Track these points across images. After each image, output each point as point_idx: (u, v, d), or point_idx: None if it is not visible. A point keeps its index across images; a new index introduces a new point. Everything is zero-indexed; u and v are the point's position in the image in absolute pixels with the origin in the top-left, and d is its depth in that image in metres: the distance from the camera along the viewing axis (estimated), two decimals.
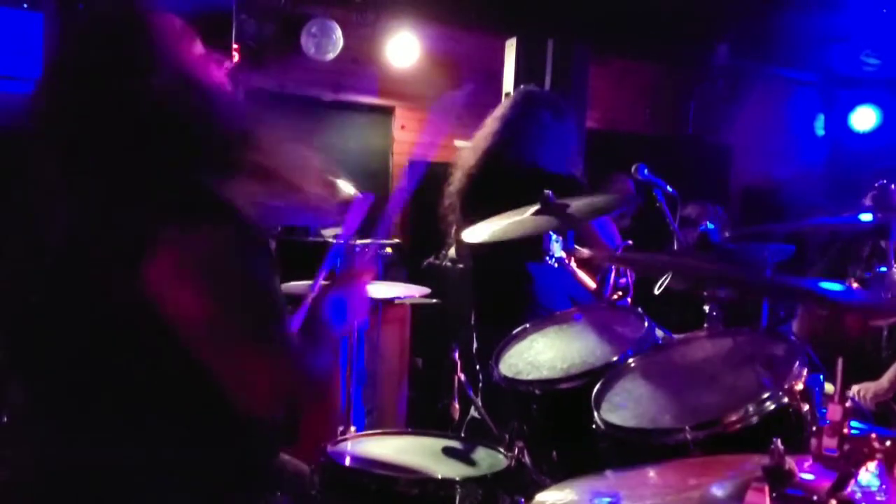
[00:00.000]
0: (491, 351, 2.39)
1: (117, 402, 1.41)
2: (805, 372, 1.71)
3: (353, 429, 2.57)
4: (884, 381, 3.35)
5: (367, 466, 1.93)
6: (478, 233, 2.50)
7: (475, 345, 3.14)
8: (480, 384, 2.96)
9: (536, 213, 2.41)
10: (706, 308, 2.18)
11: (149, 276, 1.32)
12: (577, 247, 2.54)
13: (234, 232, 1.39)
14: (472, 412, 2.84)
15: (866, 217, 2.52)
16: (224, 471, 1.48)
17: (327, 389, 1.45)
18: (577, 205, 2.39)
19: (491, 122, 3.14)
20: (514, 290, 3.01)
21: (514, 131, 3.05)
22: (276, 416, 1.55)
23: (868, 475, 1.05)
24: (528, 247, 2.70)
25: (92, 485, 1.40)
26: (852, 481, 1.04)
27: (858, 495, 1.05)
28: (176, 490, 1.43)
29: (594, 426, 1.85)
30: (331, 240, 4.51)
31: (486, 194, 2.96)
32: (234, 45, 4.39)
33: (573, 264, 2.51)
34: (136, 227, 1.34)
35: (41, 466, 1.44)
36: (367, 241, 2.03)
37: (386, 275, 4.66)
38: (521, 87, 3.49)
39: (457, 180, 3.14)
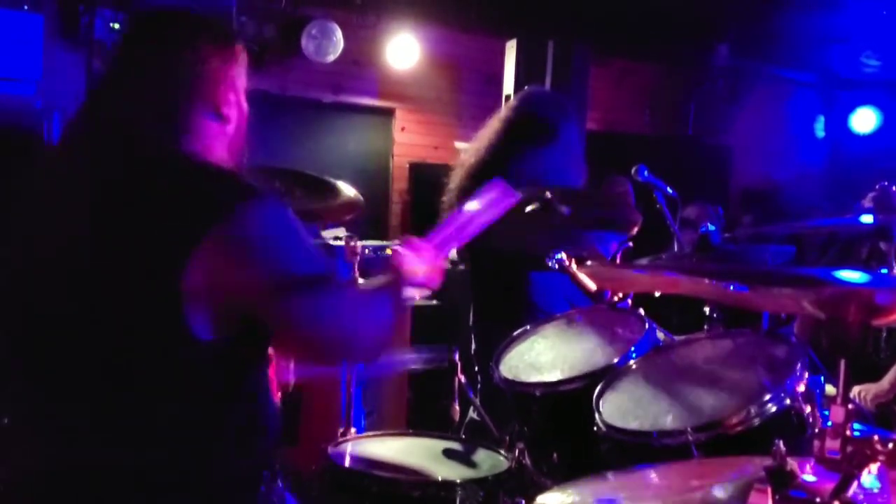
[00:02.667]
0: (490, 352, 2.38)
1: (118, 403, 1.41)
2: (806, 374, 1.71)
3: (353, 430, 2.57)
4: (884, 382, 3.35)
5: (368, 468, 1.93)
6: None
7: (473, 346, 3.13)
8: (479, 385, 2.96)
9: (534, 212, 2.41)
10: (707, 310, 2.17)
11: (200, 269, 1.35)
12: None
13: (273, 205, 1.44)
14: (472, 413, 2.84)
15: (867, 219, 2.52)
16: (224, 470, 1.48)
17: (387, 343, 1.56)
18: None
19: (494, 123, 3.13)
20: (513, 293, 3.01)
21: (518, 133, 3.04)
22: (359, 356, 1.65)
23: (870, 477, 1.05)
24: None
25: (92, 485, 1.40)
26: (855, 483, 1.04)
27: (861, 497, 1.04)
28: (176, 490, 1.43)
29: (595, 428, 1.85)
30: (331, 241, 4.51)
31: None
32: None
33: (573, 266, 2.50)
34: (171, 230, 1.38)
35: (41, 466, 1.43)
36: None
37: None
38: (526, 87, 3.48)
39: (457, 178, 3.14)
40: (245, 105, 1.60)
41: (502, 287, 3.07)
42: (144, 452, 1.41)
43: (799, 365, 1.72)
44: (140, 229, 1.39)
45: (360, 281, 2.70)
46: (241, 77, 1.58)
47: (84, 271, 1.40)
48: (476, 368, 3.02)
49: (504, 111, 3.18)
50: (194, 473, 1.44)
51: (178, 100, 1.49)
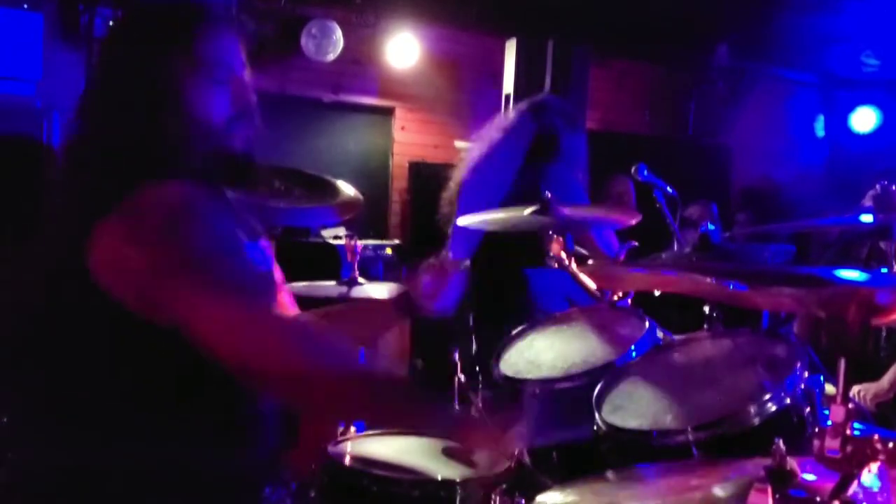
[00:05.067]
0: (490, 353, 2.39)
1: (110, 403, 1.40)
2: (806, 373, 1.71)
3: (353, 429, 2.56)
4: (884, 381, 3.35)
5: (368, 467, 1.93)
6: (473, 220, 2.52)
7: (474, 346, 3.13)
8: (480, 386, 2.95)
9: (534, 212, 2.41)
10: (706, 309, 2.17)
11: (101, 246, 1.33)
12: (577, 248, 2.54)
13: (186, 189, 1.39)
14: (472, 413, 2.83)
15: (867, 218, 2.52)
16: (219, 470, 1.48)
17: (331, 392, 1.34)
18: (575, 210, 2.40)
19: (494, 133, 3.10)
20: (512, 292, 3.00)
21: (520, 149, 3.01)
22: (264, 381, 1.39)
23: (870, 476, 1.05)
24: (527, 248, 2.70)
25: (85, 486, 1.40)
26: (855, 482, 1.04)
27: (861, 496, 1.04)
28: (172, 490, 1.42)
29: (595, 427, 1.85)
30: (331, 241, 4.51)
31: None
32: None
33: (573, 265, 2.50)
34: (93, 209, 1.36)
35: (35, 468, 1.44)
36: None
37: (385, 276, 4.67)
38: (532, 99, 3.41)
39: (458, 176, 3.13)
40: (241, 75, 1.64)
41: (502, 287, 3.07)
42: (137, 452, 1.40)
43: (799, 364, 1.72)
44: (67, 209, 1.42)
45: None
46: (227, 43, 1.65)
47: (60, 271, 1.41)
48: (476, 368, 3.02)
49: (506, 120, 3.14)
50: (189, 473, 1.43)
51: (160, 72, 1.51)
